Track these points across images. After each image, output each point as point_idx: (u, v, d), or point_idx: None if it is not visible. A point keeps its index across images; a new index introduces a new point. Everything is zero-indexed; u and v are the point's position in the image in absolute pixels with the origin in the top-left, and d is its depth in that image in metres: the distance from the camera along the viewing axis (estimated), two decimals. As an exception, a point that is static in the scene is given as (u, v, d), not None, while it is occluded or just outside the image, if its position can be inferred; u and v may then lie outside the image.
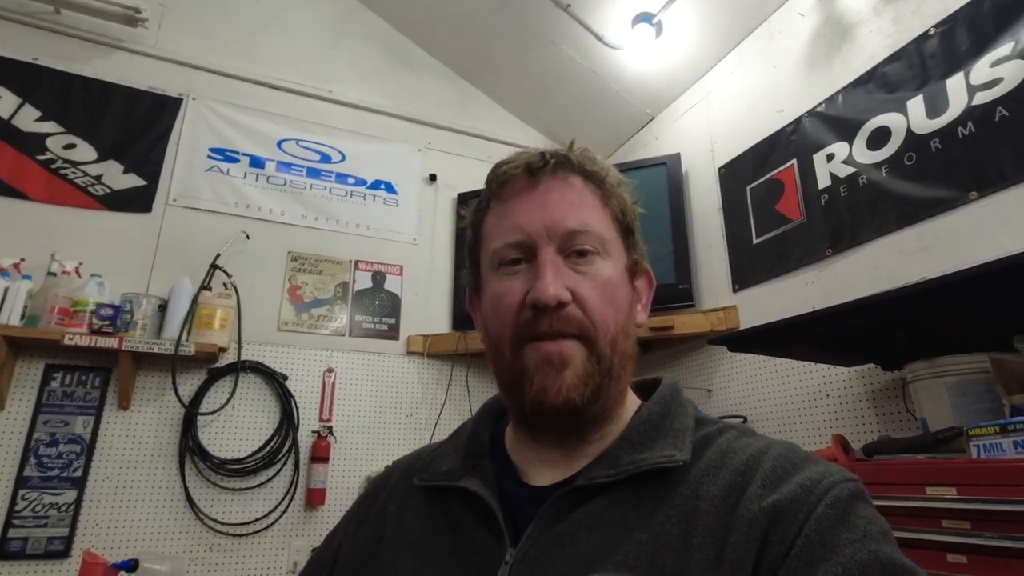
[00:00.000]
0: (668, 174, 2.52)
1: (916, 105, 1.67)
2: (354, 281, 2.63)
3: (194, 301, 2.24)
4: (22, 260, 2.07)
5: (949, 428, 1.03)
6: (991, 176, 1.47)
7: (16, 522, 1.93)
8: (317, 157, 2.72)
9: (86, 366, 2.13)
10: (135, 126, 2.42)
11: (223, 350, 2.27)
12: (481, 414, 0.70)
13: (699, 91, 2.58)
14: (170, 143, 2.47)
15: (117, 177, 2.35)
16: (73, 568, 1.93)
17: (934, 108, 1.62)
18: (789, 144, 2.09)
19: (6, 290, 1.97)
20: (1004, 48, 1.47)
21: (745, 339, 1.69)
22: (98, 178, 2.32)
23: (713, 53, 2.48)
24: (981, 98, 1.51)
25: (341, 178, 2.74)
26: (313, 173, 2.69)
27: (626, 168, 2.66)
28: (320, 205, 2.66)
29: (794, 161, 2.05)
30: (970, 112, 1.53)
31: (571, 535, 0.52)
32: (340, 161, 2.76)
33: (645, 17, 2.41)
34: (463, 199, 2.91)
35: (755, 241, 2.16)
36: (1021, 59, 1.43)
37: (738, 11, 2.29)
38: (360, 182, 2.78)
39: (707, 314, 2.24)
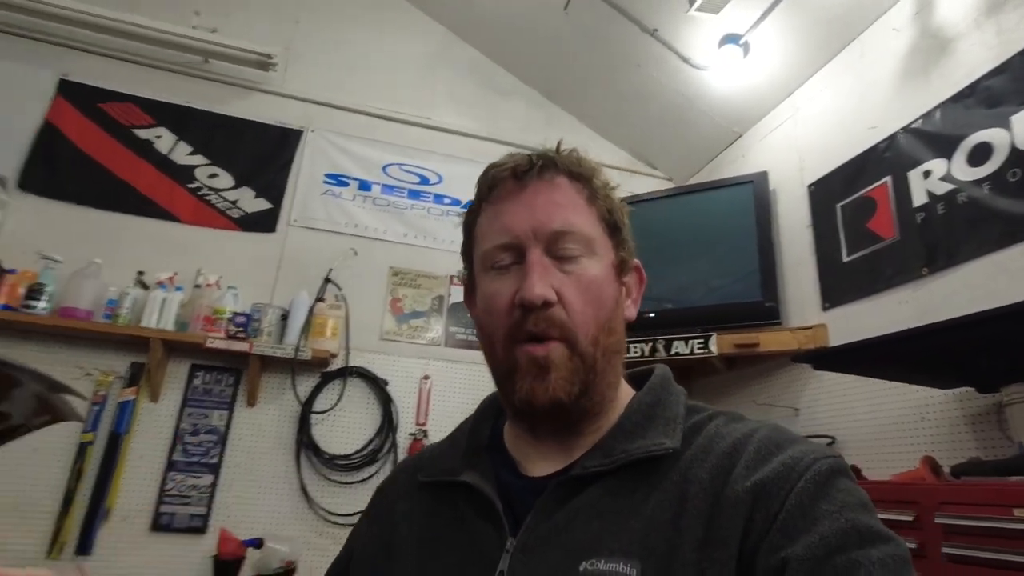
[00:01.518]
0: (755, 192, 2.53)
1: (1020, 120, 1.62)
2: (449, 294, 2.83)
3: (310, 311, 2.51)
4: (175, 274, 2.42)
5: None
6: (1103, 194, 1.41)
7: (166, 499, 2.26)
8: (417, 180, 2.96)
9: (222, 367, 2.44)
10: (264, 156, 2.76)
11: (333, 356, 2.53)
12: (480, 411, 0.73)
13: (787, 109, 2.58)
14: (292, 170, 2.79)
15: (249, 201, 2.69)
16: (208, 543, 2.22)
17: (1040, 123, 1.57)
18: (882, 161, 2.05)
19: (164, 300, 2.32)
20: (1117, 61, 1.41)
21: (832, 357, 1.69)
22: (234, 202, 2.66)
23: (801, 71, 2.47)
24: (1091, 113, 1.45)
25: (438, 199, 2.96)
26: (413, 194, 2.93)
27: (712, 187, 2.70)
28: (419, 224, 2.89)
29: (888, 178, 2.01)
30: (1079, 127, 1.47)
31: (568, 523, 0.54)
32: (437, 183, 2.98)
33: (732, 38, 2.45)
34: (551, 217, 3.04)
35: (845, 259, 2.14)
36: None
37: (828, 29, 2.28)
38: (455, 202, 2.99)
39: (794, 332, 2.23)
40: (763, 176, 2.55)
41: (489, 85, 3.23)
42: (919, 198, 1.89)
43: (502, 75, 3.26)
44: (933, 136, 1.88)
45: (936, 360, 1.39)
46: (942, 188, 1.81)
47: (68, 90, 2.56)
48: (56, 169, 2.46)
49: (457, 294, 2.84)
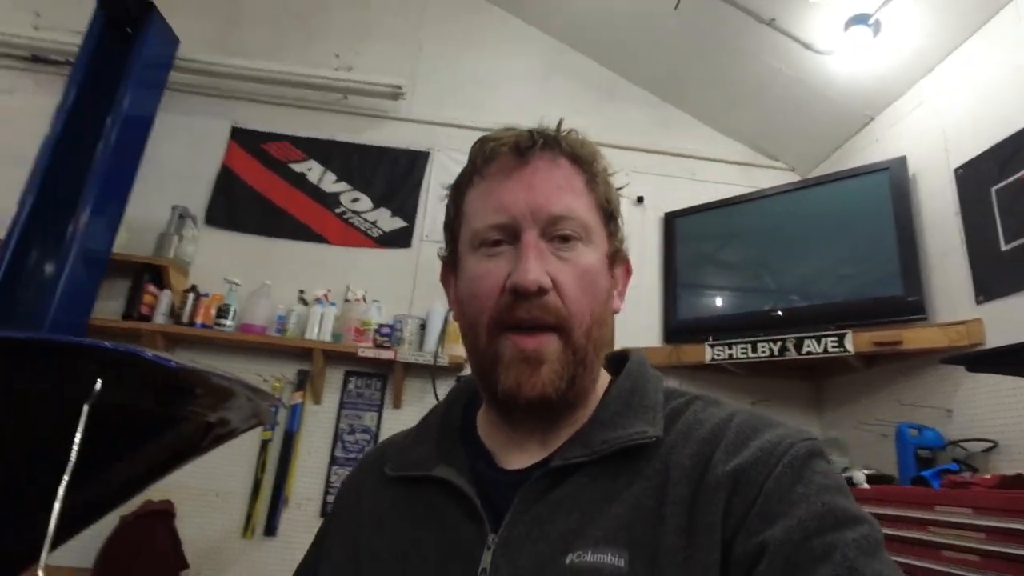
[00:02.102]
0: (891, 179, 2.39)
1: None
2: (570, 299, 2.93)
3: (445, 320, 2.73)
4: (328, 291, 2.74)
5: None
6: None
7: (331, 489, 2.58)
8: (535, 190, 3.09)
9: (371, 373, 2.73)
10: (398, 178, 3.03)
11: (467, 361, 2.72)
12: (451, 399, 0.70)
13: (928, 87, 2.40)
14: (422, 190, 3.03)
15: (387, 221, 2.96)
16: (368, 528, 2.50)
17: None
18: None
19: (322, 315, 2.64)
20: None
21: (991, 358, 1.59)
22: (374, 223, 2.95)
23: (944, 44, 2.29)
24: None
25: (556, 207, 3.07)
26: (532, 204, 3.06)
27: (842, 177, 2.59)
28: (539, 232, 3.02)
29: (1053, 159, 1.83)
30: None
31: (550, 516, 0.53)
32: (555, 192, 3.09)
33: (860, 19, 2.33)
34: (669, 218, 3.05)
35: (1004, 248, 1.96)
36: None
37: (973, -2, 2.10)
38: (572, 209, 3.08)
39: (944, 328, 2.09)
40: (901, 162, 2.39)
41: (601, 90, 3.28)
42: (1092, 179, 1.71)
43: (614, 79, 3.30)
44: (1107, 109, 1.69)
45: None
46: (1121, 167, 1.63)
47: (238, 135, 2.98)
48: (232, 204, 2.89)
49: (578, 298, 2.94)
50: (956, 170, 2.20)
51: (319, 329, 2.62)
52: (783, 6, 2.47)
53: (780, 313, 2.57)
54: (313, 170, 2.99)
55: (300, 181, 2.97)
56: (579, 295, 0.56)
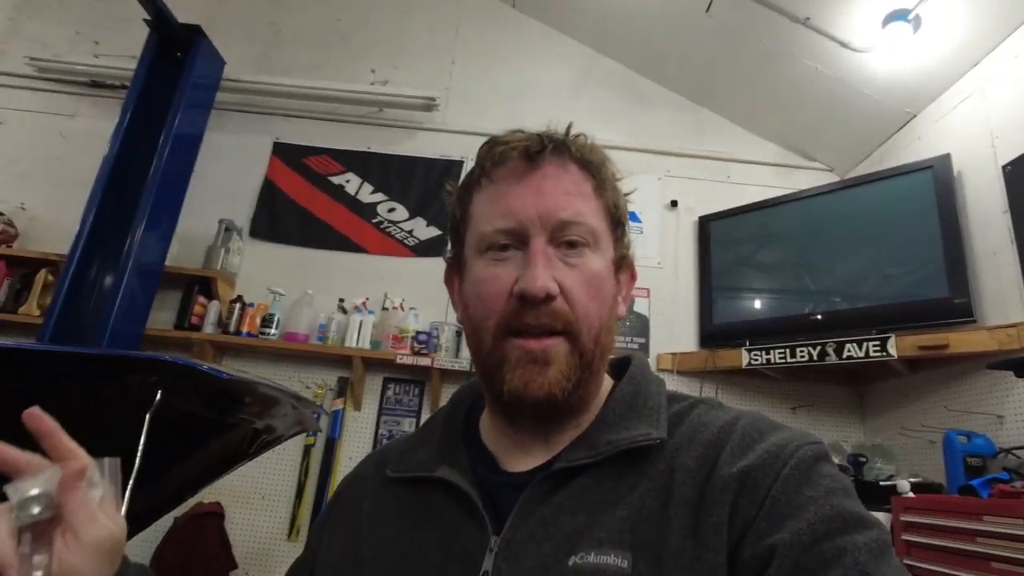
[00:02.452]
0: (935, 177, 2.32)
1: None
2: (604, 304, 2.94)
3: (480, 326, 2.77)
4: (367, 299, 2.82)
5: None
6: None
7: (372, 492, 2.64)
8: (568, 196, 3.11)
9: (409, 379, 2.80)
10: (432, 188, 3.09)
11: (502, 366, 2.76)
12: (453, 402, 0.70)
13: (972, 82, 2.32)
14: (456, 199, 3.08)
15: (422, 230, 3.03)
16: (408, 531, 2.56)
17: None
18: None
19: (360, 323, 2.72)
20: None
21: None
22: (410, 232, 3.02)
23: (989, 37, 2.22)
24: None
25: (589, 213, 3.09)
26: (565, 211, 3.09)
27: (883, 176, 2.53)
28: (572, 238, 3.04)
29: (1107, 153, 1.76)
30: None
31: (554, 517, 0.52)
32: (587, 198, 3.11)
33: (900, 15, 2.28)
34: (704, 222, 3.02)
35: (1056, 248, 1.89)
36: None
37: (1019, -11, 2.04)
38: (605, 214, 3.09)
39: (993, 331, 2.01)
40: (945, 159, 2.32)
41: (633, 96, 3.28)
42: None
43: (645, 84, 3.30)
44: None
45: None
46: None
47: (280, 150, 3.10)
48: (275, 216, 3.00)
49: (612, 303, 2.94)
50: (1004, 167, 2.12)
51: (358, 337, 2.70)
52: (818, 5, 2.43)
53: (820, 316, 2.52)
54: (351, 182, 3.08)
55: (339, 193, 3.07)
56: (587, 301, 0.56)
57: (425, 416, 2.75)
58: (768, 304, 2.81)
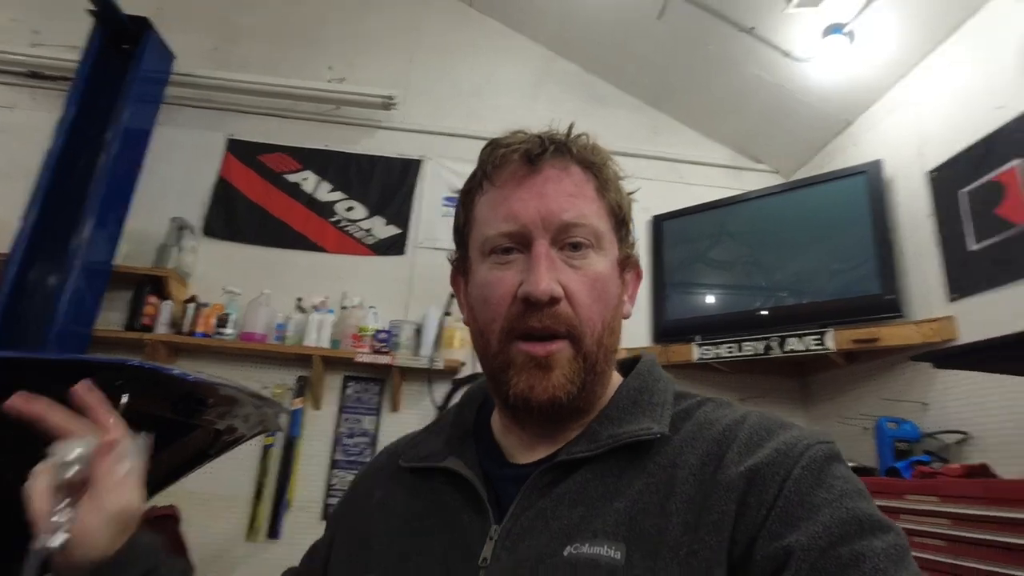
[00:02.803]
0: (868, 182, 2.48)
1: None
2: (562, 302, 3.01)
3: (440, 325, 2.81)
4: (326, 298, 2.81)
5: None
6: None
7: (332, 493, 2.65)
8: (526, 196, 3.17)
9: (368, 377, 2.80)
10: (391, 186, 3.10)
11: (463, 364, 2.80)
12: (464, 400, 0.71)
13: (901, 93, 2.49)
14: (415, 197, 3.10)
15: (381, 228, 3.04)
16: (369, 528, 2.57)
17: None
18: (1011, 143, 1.96)
19: (320, 322, 2.71)
20: None
21: (953, 356, 1.68)
22: (368, 231, 3.02)
23: (916, 52, 2.38)
24: None
25: (547, 212, 3.15)
26: (523, 210, 3.14)
27: (822, 180, 2.68)
28: (531, 237, 3.10)
29: (1017, 162, 1.92)
30: None
31: (553, 509, 0.53)
32: (545, 197, 3.17)
33: (836, 28, 2.41)
34: (658, 221, 3.13)
35: (972, 248, 2.05)
36: None
37: (941, 5, 2.19)
38: (563, 214, 3.16)
39: (919, 325, 2.18)
40: (877, 165, 2.48)
41: (590, 96, 3.37)
42: (1054, 182, 1.80)
43: (602, 86, 3.38)
44: (1066, 115, 1.78)
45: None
46: (1079, 171, 1.72)
47: (234, 147, 3.04)
48: (230, 215, 2.95)
49: (570, 300, 3.02)
50: (930, 173, 2.29)
51: (317, 336, 2.69)
52: (763, 15, 2.55)
53: (766, 312, 2.65)
54: (308, 180, 3.06)
55: (296, 191, 3.04)
56: (590, 303, 0.57)
57: (385, 414, 2.77)
58: (719, 301, 2.94)
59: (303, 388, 2.74)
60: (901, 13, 2.28)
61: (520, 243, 0.58)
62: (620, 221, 0.63)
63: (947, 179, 2.21)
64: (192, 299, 2.72)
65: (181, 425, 1.23)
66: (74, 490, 0.50)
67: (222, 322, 2.65)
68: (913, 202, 2.35)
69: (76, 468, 0.49)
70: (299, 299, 2.83)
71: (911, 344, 2.16)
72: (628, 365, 0.66)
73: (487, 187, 0.61)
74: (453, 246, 2.62)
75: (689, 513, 0.49)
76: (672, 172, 3.29)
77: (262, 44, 3.23)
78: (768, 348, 2.48)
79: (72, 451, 0.49)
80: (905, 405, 2.21)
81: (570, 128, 0.63)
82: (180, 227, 2.81)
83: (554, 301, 0.55)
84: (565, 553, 0.49)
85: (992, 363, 1.64)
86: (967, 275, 2.08)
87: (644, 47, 3.08)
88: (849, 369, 2.55)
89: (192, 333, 2.65)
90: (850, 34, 2.40)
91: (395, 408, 2.77)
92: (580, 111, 3.32)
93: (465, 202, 0.65)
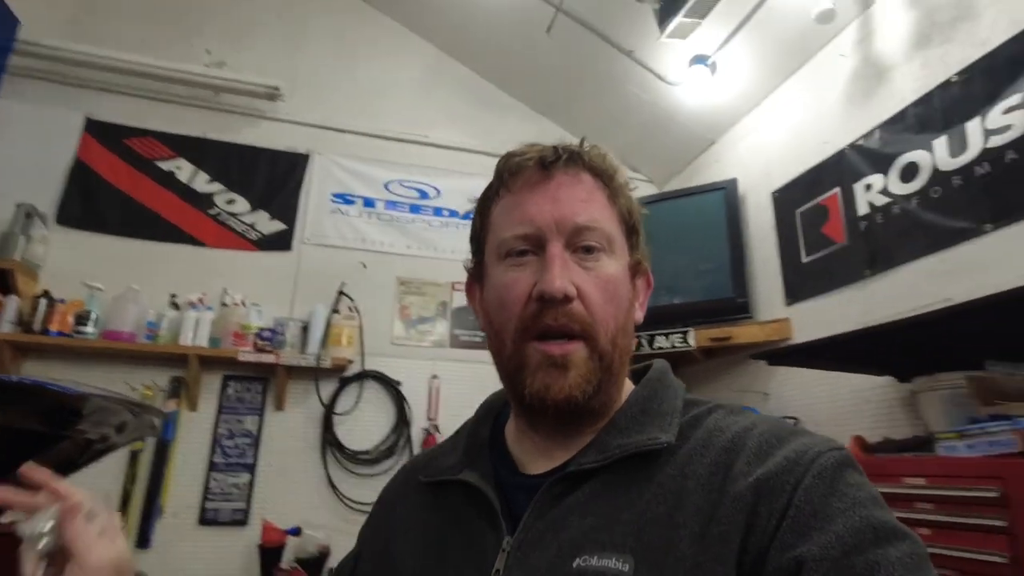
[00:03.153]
0: (726, 197, 2.80)
1: (941, 144, 1.88)
2: (452, 300, 3.10)
3: (327, 323, 2.78)
4: (204, 295, 2.67)
5: (927, 434, 1.30)
6: (1003, 211, 1.68)
7: (210, 496, 2.54)
8: (417, 194, 3.21)
9: (251, 376, 2.71)
10: (276, 180, 3.00)
11: (350, 362, 2.80)
12: (481, 411, 0.73)
13: (753, 121, 2.83)
14: (302, 192, 3.03)
15: (265, 223, 2.93)
16: (250, 533, 2.51)
17: (956, 148, 1.83)
18: (833, 173, 2.31)
19: (197, 319, 2.58)
20: (1015, 98, 1.67)
21: (781, 355, 1.97)
22: (252, 225, 2.91)
23: (764, 87, 2.72)
24: (994, 142, 1.71)
25: (437, 211, 3.21)
26: (415, 208, 3.18)
27: (688, 193, 2.97)
28: (421, 236, 3.15)
29: (838, 189, 2.28)
30: (985, 153, 1.74)
31: (563, 520, 0.54)
32: (436, 196, 3.23)
33: (700, 59, 2.69)
34: (542, 224, 3.30)
35: (804, 260, 2.41)
36: (1026, 110, 1.63)
37: (786, 50, 2.53)
38: (453, 213, 3.24)
39: (762, 325, 2.51)
40: (733, 183, 2.81)
41: (482, 102, 3.46)
42: (863, 208, 2.16)
43: (494, 92, 3.49)
44: (873, 153, 2.14)
45: (862, 356, 1.67)
46: (880, 200, 2.08)
47: (94, 128, 2.78)
48: (90, 203, 2.70)
49: (460, 299, 3.11)
50: (773, 193, 2.63)
51: (194, 334, 2.56)
52: (641, 41, 2.78)
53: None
54: (183, 169, 2.88)
55: (169, 180, 2.85)
56: (603, 304, 0.58)
57: (269, 413, 2.70)
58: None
59: (177, 389, 2.59)
60: (752, 53, 2.60)
61: (535, 246, 0.59)
62: (631, 228, 0.64)
63: (786, 200, 2.56)
64: (44, 294, 2.47)
65: (51, 436, 1.15)
66: (60, 559, 0.52)
67: (82, 320, 2.43)
68: (761, 217, 2.70)
69: (47, 540, 0.52)
70: (173, 295, 2.66)
71: (757, 342, 2.48)
72: (640, 373, 0.67)
73: (503, 194, 0.63)
74: (344, 242, 2.63)
75: (697, 524, 0.49)
76: None
77: (129, 19, 2.97)
78: (639, 346, 2.73)
79: (39, 525, 0.52)
80: (750, 396, 2.54)
81: (582, 140, 0.65)
82: (28, 214, 2.53)
83: (568, 299, 0.56)
84: (574, 565, 0.50)
85: (811, 361, 1.95)
86: (800, 283, 2.44)
87: (535, 58, 3.22)
88: (707, 364, 2.87)
89: (45, 331, 2.41)
90: (712, 65, 2.69)
91: (280, 407, 2.71)
92: (471, 115, 3.41)
93: (481, 210, 0.67)
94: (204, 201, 2.87)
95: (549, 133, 3.50)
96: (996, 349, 1.38)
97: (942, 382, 1.45)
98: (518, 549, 0.54)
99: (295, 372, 2.73)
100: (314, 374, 2.72)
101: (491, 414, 0.72)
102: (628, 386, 0.65)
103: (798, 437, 0.52)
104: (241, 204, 2.91)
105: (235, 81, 2.91)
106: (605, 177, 0.63)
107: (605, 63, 2.98)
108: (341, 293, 2.89)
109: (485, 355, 2.53)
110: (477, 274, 0.67)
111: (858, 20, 2.26)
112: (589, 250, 0.59)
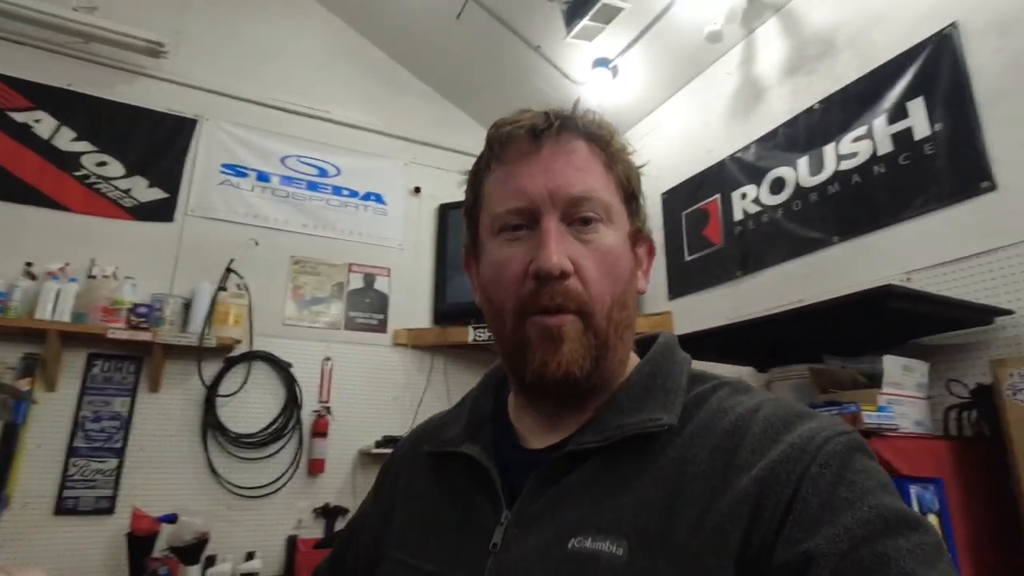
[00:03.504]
0: (620, 196, 2.96)
1: (803, 164, 2.12)
2: (348, 282, 3.03)
3: (213, 300, 2.62)
4: (66, 265, 2.42)
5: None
6: (848, 227, 1.94)
7: (69, 484, 2.33)
8: (316, 172, 3.09)
9: (122, 355, 2.50)
10: (157, 145, 2.76)
11: (238, 342, 2.67)
12: (484, 383, 0.72)
13: (648, 125, 3.02)
14: (187, 160, 2.82)
15: (143, 191, 2.70)
16: (117, 522, 2.34)
17: (814, 168, 2.08)
18: (715, 180, 2.53)
19: (58, 291, 2.33)
20: (861, 129, 1.93)
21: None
22: (127, 191, 2.67)
23: (659, 95, 2.91)
24: (845, 165, 1.97)
25: (337, 190, 3.12)
26: (312, 186, 3.06)
27: (585, 189, 3.10)
28: (319, 215, 3.04)
29: (718, 196, 2.50)
30: (837, 175, 1.99)
31: (562, 499, 0.53)
32: (336, 175, 3.14)
33: (602, 62, 2.82)
34: (444, 209, 3.31)
35: (687, 259, 2.62)
36: (870, 139, 1.89)
37: (680, 62, 2.72)
38: (353, 194, 3.16)
39: (647, 317, 2.71)
40: (627, 183, 2.98)
41: (387, 81, 3.38)
42: (738, 214, 2.39)
43: (400, 72, 3.42)
44: (748, 166, 2.37)
45: (730, 348, 1.87)
46: (753, 209, 2.32)
47: (-69, 68, 2.41)
48: (-77, 154, 2.35)
49: (356, 281, 3.06)
50: (663, 194, 2.83)
51: (54, 307, 2.32)
52: (548, 38, 2.86)
53: (533, 301, 3.02)
54: (43, 123, 2.57)
55: (24, 134, 2.53)
56: (600, 278, 0.56)
57: (143, 395, 2.52)
58: (494, 288, 3.23)
59: (32, 368, 2.34)
60: (650, 62, 2.77)
61: (529, 220, 0.57)
62: (630, 195, 0.62)
63: (673, 201, 2.76)
64: None
65: None
66: None
67: (-88, 288, 2.13)
68: (651, 216, 2.87)
69: None
70: (28, 264, 2.39)
71: (642, 332, 2.66)
72: (646, 342, 0.65)
73: (495, 166, 0.61)
74: (234, 217, 2.52)
75: (695, 513, 0.47)
76: (462, 165, 3.30)
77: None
78: (533, 333, 2.84)
79: None
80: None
81: (575, 103, 0.62)
82: None
83: (564, 276, 0.54)
84: (569, 546, 0.49)
85: (688, 351, 2.13)
86: (682, 280, 2.65)
87: (442, 42, 3.20)
88: (595, 351, 3.04)
89: None
90: (614, 69, 2.83)
91: (155, 388, 2.53)
92: (377, 95, 3.33)
93: (473, 182, 0.64)
94: (69, 161, 2.58)
95: (454, 118, 3.53)
96: (834, 345, 1.60)
97: (791, 373, 1.65)
98: (516, 525, 0.54)
99: (174, 352, 2.55)
100: (196, 354, 2.56)
101: (492, 385, 0.71)
102: (633, 359, 0.63)
103: (804, 421, 0.50)
104: (114, 167, 2.66)
105: (109, 30, 2.62)
106: (601, 143, 0.60)
107: (512, 55, 3.03)
108: (229, 270, 2.73)
109: (380, 338, 2.55)
110: (473, 249, 0.66)
111: (743, 43, 2.48)
112: (586, 221, 0.56)
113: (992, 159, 1.59)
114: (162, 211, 2.71)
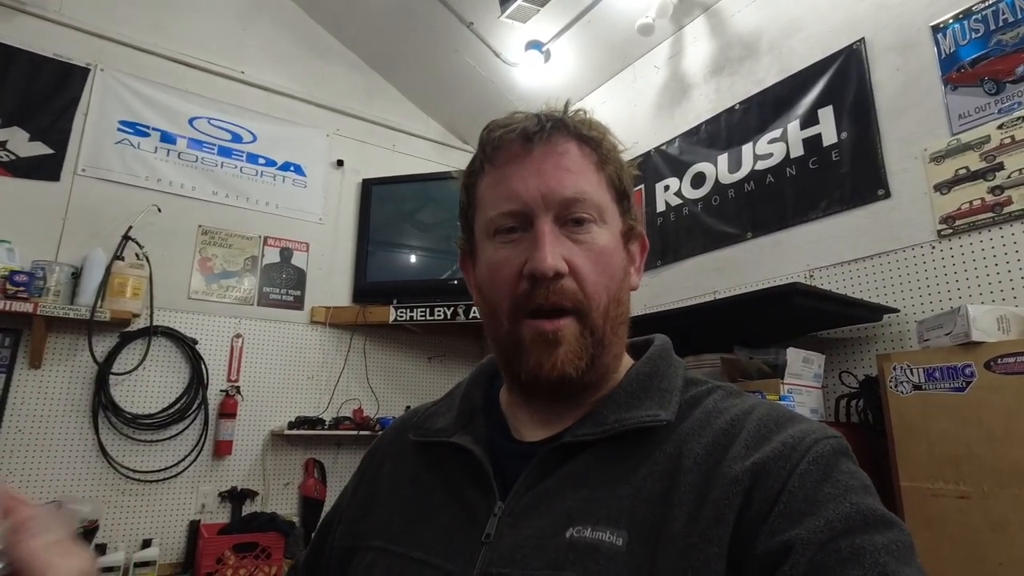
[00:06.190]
0: (547, 181, 2.98)
1: (723, 161, 2.22)
2: (263, 255, 2.87)
3: (108, 270, 2.40)
4: (-72, 224, 2.13)
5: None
6: (760, 224, 2.06)
7: (-70, 471, 2.08)
8: (229, 136, 2.88)
9: (-4, 327, 2.25)
10: (40, 93, 2.47)
11: (136, 316, 2.46)
12: (474, 375, 0.72)
13: (577, 112, 3.04)
14: (78, 113, 2.54)
15: (23, 144, 2.41)
16: (-11, 512, 2.11)
17: (733, 165, 2.18)
18: (640, 171, 2.60)
19: (-82, 255, 2.05)
20: (776, 132, 2.04)
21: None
22: (2, 144, 2.37)
23: (590, 82, 2.94)
24: (760, 165, 2.08)
25: (252, 158, 2.93)
26: (224, 152, 2.86)
27: (513, 172, 3.09)
28: (231, 183, 2.85)
29: (642, 187, 2.57)
30: (753, 174, 2.10)
31: (557, 490, 0.54)
32: (251, 142, 2.94)
33: (535, 44, 2.81)
34: (367, 185, 3.19)
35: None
36: (784, 142, 2.01)
37: (611, 53, 2.75)
38: (270, 163, 2.98)
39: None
40: (554, 168, 3.00)
41: (309, 45, 3.19)
42: (660, 206, 2.47)
43: (323, 36, 3.24)
44: (672, 159, 2.45)
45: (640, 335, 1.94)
46: (675, 201, 2.40)
47: None
48: None
49: (271, 255, 2.90)
50: (588, 182, 2.87)
51: (-87, 274, 2.04)
52: (482, 15, 2.80)
53: (456, 282, 2.99)
54: (-100, 58, 2.23)
55: None
56: (595, 277, 0.57)
57: (21, 371, 2.28)
58: (415, 268, 3.18)
59: None
60: (582, 48, 2.79)
61: (523, 222, 0.58)
62: (621, 193, 0.63)
63: (599, 190, 2.81)
64: None
65: None
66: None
67: None
68: (575, 204, 2.93)
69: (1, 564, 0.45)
70: None
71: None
72: (640, 347, 0.66)
73: (488, 169, 0.62)
74: (134, 180, 2.34)
75: (691, 504, 0.49)
76: (387, 139, 3.37)
77: None
78: (455, 314, 2.82)
79: None
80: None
81: (566, 105, 0.64)
82: None
83: (559, 276, 0.55)
84: (567, 535, 0.50)
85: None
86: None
87: (371, 9, 3.06)
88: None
89: None
90: (546, 53, 2.82)
91: (36, 364, 2.29)
92: (296, 57, 3.14)
93: (467, 185, 0.65)
94: (-69, 105, 2.26)
95: (380, 90, 3.40)
96: (742, 336, 1.70)
97: (704, 362, 1.74)
98: (509, 516, 0.54)
99: (59, 324, 2.32)
100: (87, 328, 2.34)
101: (483, 378, 0.72)
102: (627, 360, 0.64)
103: (796, 424, 0.52)
104: (-13, 116, 2.35)
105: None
106: (592, 143, 0.62)
107: (445, 30, 2.95)
108: (127, 237, 2.50)
109: (296, 315, 2.43)
110: (469, 251, 0.67)
111: (671, 39, 2.54)
112: (579, 222, 0.58)
113: (888, 169, 1.74)
114: (46, 168, 2.44)
